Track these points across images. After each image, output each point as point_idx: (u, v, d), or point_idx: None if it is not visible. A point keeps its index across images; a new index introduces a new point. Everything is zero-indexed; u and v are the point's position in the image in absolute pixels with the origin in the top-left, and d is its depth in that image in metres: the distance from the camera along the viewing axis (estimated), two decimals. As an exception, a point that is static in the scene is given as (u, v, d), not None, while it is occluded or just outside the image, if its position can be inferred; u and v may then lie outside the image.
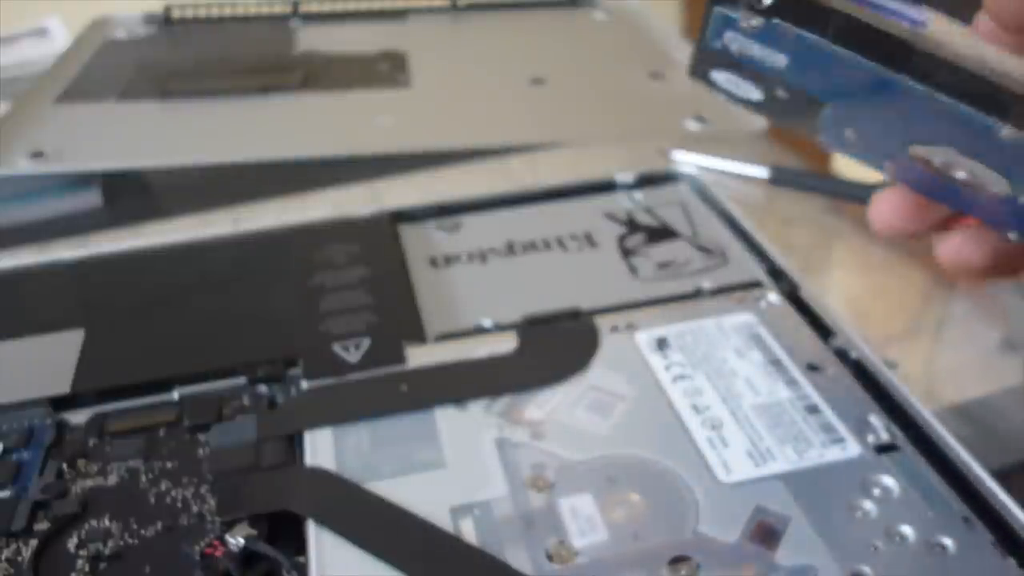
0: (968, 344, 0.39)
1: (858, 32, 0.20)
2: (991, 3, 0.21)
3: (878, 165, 0.23)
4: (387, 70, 0.57)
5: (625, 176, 0.41)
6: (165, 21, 0.65)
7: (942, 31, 0.20)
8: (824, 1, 0.21)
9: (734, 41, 0.22)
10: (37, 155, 0.46)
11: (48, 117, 0.51)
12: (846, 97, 0.22)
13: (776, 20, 0.21)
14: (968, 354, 0.39)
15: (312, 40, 0.62)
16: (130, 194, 0.50)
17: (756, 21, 0.21)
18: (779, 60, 0.22)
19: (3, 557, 0.24)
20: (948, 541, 0.24)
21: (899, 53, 0.20)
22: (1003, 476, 0.25)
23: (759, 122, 0.49)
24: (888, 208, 0.24)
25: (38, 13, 0.66)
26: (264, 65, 0.58)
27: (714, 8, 0.22)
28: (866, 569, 0.23)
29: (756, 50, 0.22)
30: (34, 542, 0.25)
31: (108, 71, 0.57)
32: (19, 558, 0.24)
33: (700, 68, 0.24)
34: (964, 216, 0.24)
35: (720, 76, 0.24)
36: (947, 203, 0.23)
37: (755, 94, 0.24)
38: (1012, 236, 0.22)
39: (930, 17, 0.20)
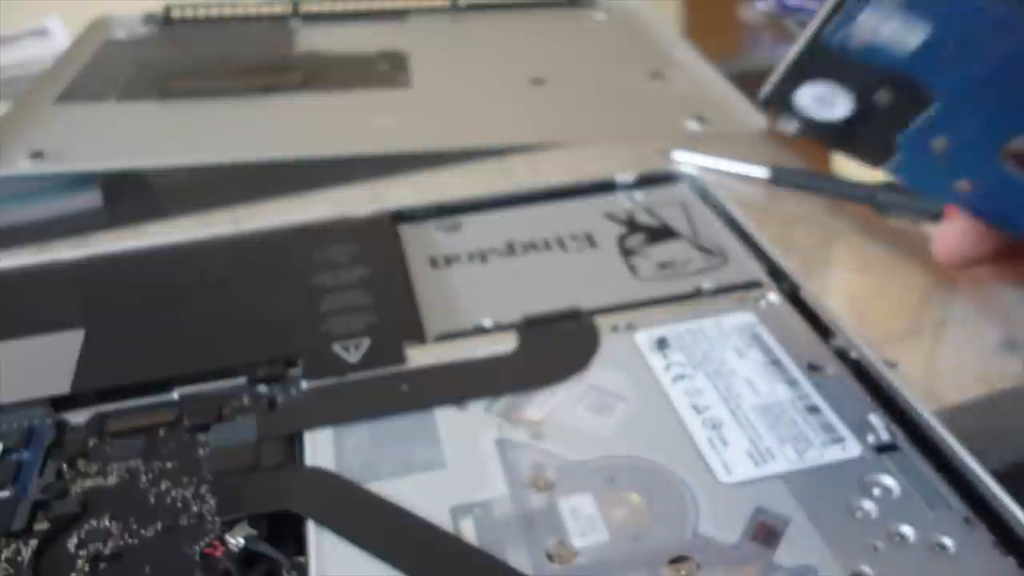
0: (968, 344, 0.39)
1: None
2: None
3: (944, 190, 0.24)
4: (387, 70, 0.57)
5: (625, 176, 0.41)
6: (165, 21, 0.65)
7: None
8: None
9: (865, 23, 0.22)
10: (37, 155, 0.46)
11: (48, 117, 0.51)
12: (974, 74, 0.22)
13: None
14: (968, 354, 0.39)
15: (312, 40, 0.62)
16: (130, 194, 0.50)
17: None
18: (914, 37, 0.22)
19: (3, 557, 0.24)
20: (948, 541, 0.24)
21: None
22: (1003, 476, 0.25)
23: (759, 122, 0.49)
24: (954, 237, 0.25)
25: (38, 13, 0.66)
26: (264, 65, 0.58)
27: None
28: (866, 569, 0.23)
29: (893, 26, 0.22)
30: (34, 542, 0.25)
31: (108, 71, 0.57)
32: (19, 558, 0.24)
33: (785, 86, 0.24)
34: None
35: (807, 94, 0.24)
36: (1011, 223, 0.24)
37: (841, 109, 0.24)
38: None
39: None
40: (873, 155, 0.24)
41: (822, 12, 0.22)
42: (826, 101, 0.23)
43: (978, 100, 0.22)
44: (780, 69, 0.24)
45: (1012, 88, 0.21)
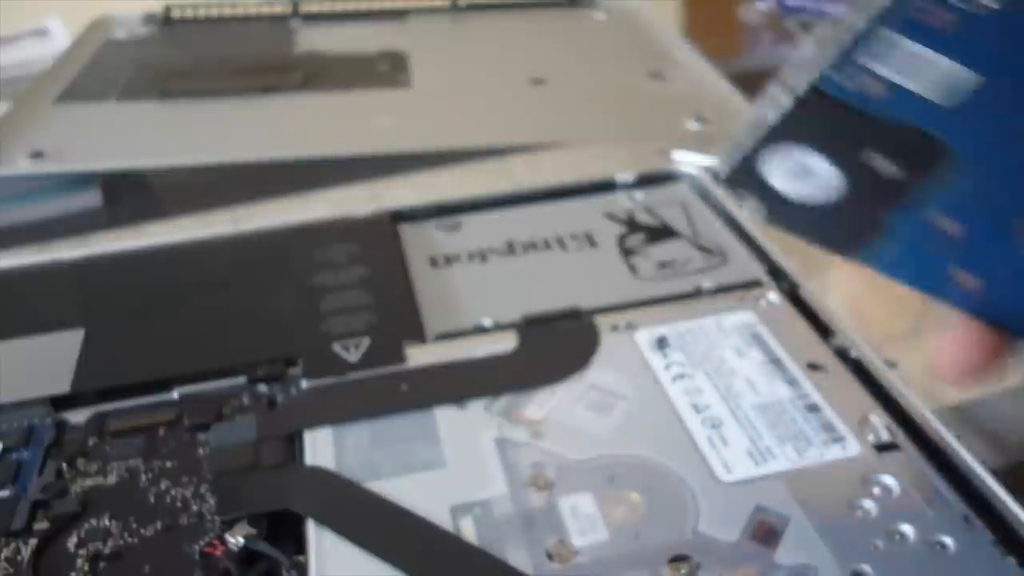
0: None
1: None
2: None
3: (942, 286, 0.20)
4: (387, 70, 0.57)
5: (625, 176, 0.41)
6: (165, 21, 0.65)
7: None
8: None
9: (897, 60, 0.17)
10: (37, 155, 0.46)
11: (48, 117, 0.51)
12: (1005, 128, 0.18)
13: None
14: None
15: (312, 40, 0.62)
16: (130, 194, 0.50)
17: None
18: (959, 79, 0.17)
19: (3, 556, 0.24)
20: (948, 540, 0.24)
21: None
22: (1003, 476, 0.25)
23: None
24: (957, 350, 0.22)
25: (38, 13, 0.66)
26: (264, 65, 0.58)
27: None
28: (866, 568, 0.23)
29: (937, 64, 0.17)
30: (34, 541, 0.25)
31: (108, 71, 0.57)
32: (19, 557, 0.24)
33: (758, 156, 0.19)
34: None
35: (782, 164, 0.19)
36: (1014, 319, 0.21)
37: (825, 182, 0.19)
38: None
39: None
40: (852, 242, 0.20)
41: (825, 49, 0.18)
42: (805, 172, 0.19)
43: (1000, 159, 0.18)
44: (750, 132, 0.19)
45: None
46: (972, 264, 0.20)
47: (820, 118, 0.19)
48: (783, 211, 0.20)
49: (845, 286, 0.43)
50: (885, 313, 0.41)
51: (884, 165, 0.19)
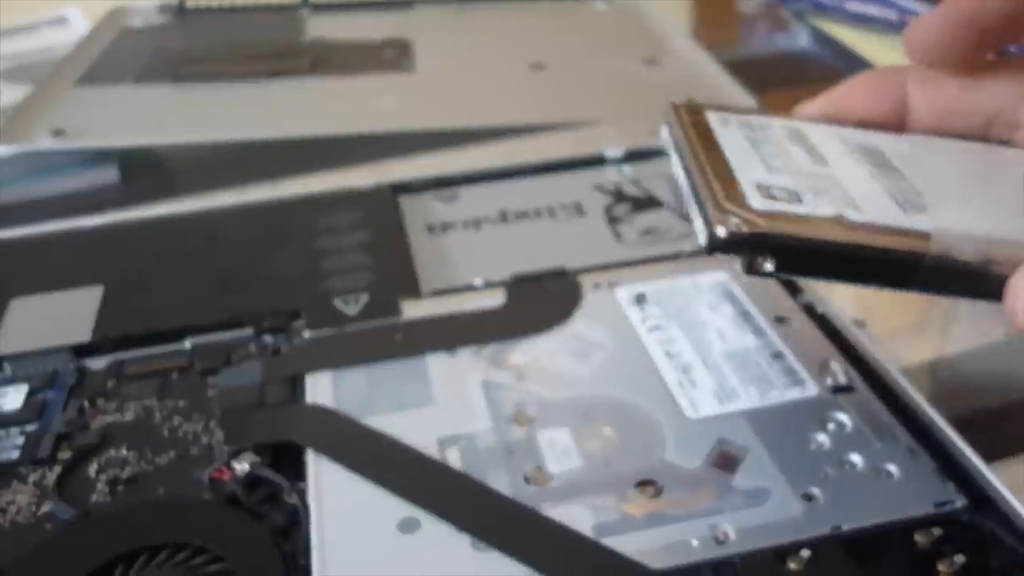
0: (975, 340, 0.40)
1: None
2: (910, 43, 0.23)
3: None
4: (392, 56, 0.60)
5: (614, 151, 0.43)
6: (179, 10, 0.68)
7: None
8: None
9: None
10: (58, 133, 0.49)
11: (69, 98, 0.53)
12: None
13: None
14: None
15: (320, 29, 0.65)
16: (145, 172, 0.52)
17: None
18: None
19: (31, 481, 0.27)
20: (893, 468, 0.26)
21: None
22: (966, 424, 0.27)
23: (751, 103, 0.51)
24: (925, 31, 0.24)
25: (58, 3, 0.69)
26: (274, 51, 0.60)
27: None
28: (816, 491, 0.25)
29: None
30: (58, 468, 0.27)
31: (125, 57, 0.60)
32: (45, 481, 0.27)
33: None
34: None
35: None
36: None
37: None
38: None
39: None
40: None
41: None
42: None
43: None
44: None
45: None
46: None
47: None
48: None
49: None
50: (891, 309, 0.42)
51: None
